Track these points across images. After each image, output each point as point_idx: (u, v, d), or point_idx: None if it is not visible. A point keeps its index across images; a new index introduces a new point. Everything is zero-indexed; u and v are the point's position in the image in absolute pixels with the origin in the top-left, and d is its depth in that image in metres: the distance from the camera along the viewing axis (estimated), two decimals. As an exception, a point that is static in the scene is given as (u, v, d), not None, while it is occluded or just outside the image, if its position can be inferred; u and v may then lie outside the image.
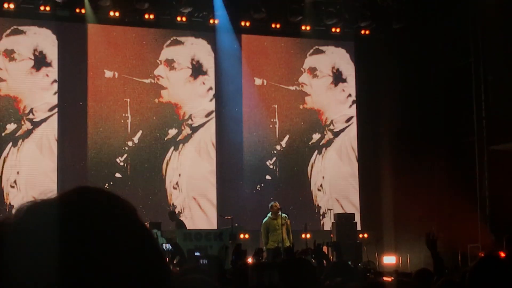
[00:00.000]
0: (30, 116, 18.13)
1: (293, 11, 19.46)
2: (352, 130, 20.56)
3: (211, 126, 19.53)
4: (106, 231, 1.14)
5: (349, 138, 20.52)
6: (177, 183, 19.00)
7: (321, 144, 20.29)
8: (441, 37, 19.00)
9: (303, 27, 19.96)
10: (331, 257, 15.64)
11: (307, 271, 4.62)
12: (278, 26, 19.88)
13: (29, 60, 18.32)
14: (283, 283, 4.67)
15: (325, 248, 15.89)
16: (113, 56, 18.91)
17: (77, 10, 18.36)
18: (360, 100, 20.59)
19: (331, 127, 20.39)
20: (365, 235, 18.64)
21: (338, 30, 20.23)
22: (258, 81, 20.02)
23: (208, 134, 19.49)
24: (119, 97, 18.83)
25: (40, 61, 18.39)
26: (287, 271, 4.63)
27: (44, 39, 18.45)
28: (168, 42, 19.34)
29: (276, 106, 20.03)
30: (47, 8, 18.06)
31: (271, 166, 19.85)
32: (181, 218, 17.76)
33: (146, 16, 18.80)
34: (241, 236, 16.99)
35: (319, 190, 19.94)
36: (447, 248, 15.40)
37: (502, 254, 11.32)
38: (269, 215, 16.07)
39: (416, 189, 18.71)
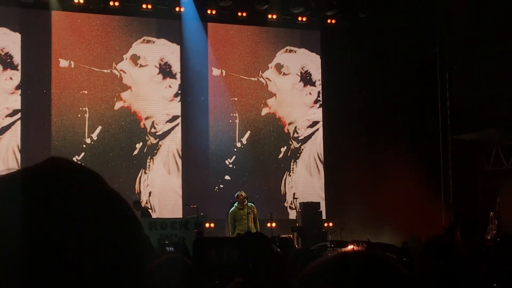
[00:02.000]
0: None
1: (259, 0, 19.38)
2: (319, 132, 20.53)
3: (177, 132, 19.33)
4: (75, 197, 1.10)
5: (315, 139, 20.47)
6: (147, 201, 18.78)
7: (289, 155, 20.21)
8: (407, 27, 19.05)
9: (269, 16, 19.88)
10: (296, 245, 15.67)
11: (264, 245, 4.58)
12: (244, 14, 19.77)
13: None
14: (242, 259, 4.64)
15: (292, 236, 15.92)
16: (77, 44, 18.68)
17: (41, -3, 18.11)
18: (325, 91, 20.56)
19: (295, 134, 20.29)
20: (330, 224, 18.67)
21: (304, 19, 20.18)
22: (216, 72, 19.81)
23: (174, 142, 19.28)
24: (83, 86, 18.62)
25: (3, 50, 18.12)
26: (245, 247, 4.59)
27: (6, 31, 18.15)
28: (139, 40, 19.13)
29: (236, 99, 19.89)
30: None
31: (230, 166, 19.67)
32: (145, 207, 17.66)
33: (111, 3, 18.59)
34: (207, 225, 16.92)
35: (291, 208, 19.78)
36: (411, 237, 15.48)
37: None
38: (235, 204, 16.05)
39: (381, 179, 18.79)
